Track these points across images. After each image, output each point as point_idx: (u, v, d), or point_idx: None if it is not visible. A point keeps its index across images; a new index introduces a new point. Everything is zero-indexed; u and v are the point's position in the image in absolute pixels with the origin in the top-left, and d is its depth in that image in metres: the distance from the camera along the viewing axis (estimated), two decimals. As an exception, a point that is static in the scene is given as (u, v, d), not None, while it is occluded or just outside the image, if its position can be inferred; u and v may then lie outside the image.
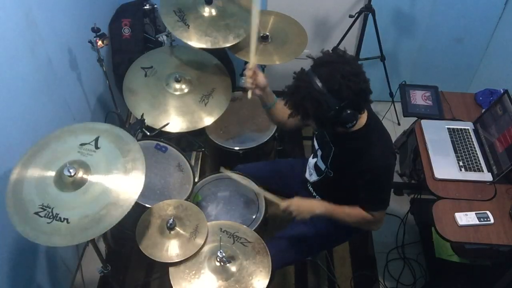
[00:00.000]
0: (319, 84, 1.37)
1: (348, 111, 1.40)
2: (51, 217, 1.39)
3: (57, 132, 1.61)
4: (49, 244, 1.39)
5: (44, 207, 1.41)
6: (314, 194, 1.87)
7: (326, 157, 1.71)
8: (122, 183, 1.47)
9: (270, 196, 1.77)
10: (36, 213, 1.40)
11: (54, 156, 1.53)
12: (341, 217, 1.70)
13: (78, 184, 1.46)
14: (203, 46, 2.09)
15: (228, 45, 2.12)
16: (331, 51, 1.47)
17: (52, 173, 1.48)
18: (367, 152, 1.55)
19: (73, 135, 1.59)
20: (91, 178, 1.48)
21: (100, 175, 1.49)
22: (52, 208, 1.40)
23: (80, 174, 1.47)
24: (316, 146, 1.79)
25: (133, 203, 1.43)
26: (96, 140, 1.57)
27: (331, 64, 1.40)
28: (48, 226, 1.38)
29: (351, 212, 1.68)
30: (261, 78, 1.76)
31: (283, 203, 1.71)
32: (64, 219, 1.39)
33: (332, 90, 1.37)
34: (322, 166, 1.75)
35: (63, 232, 1.38)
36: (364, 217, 1.66)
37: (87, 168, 1.49)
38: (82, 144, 1.55)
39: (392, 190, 2.78)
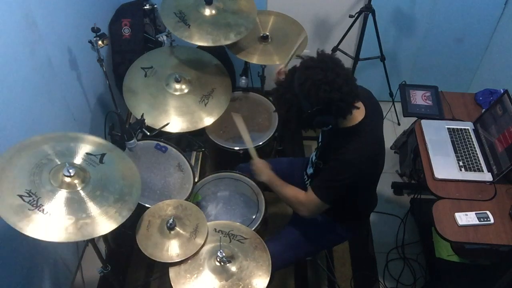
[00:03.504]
0: (296, 87, 1.43)
1: (321, 116, 1.45)
2: (34, 205, 1.36)
3: (72, 134, 1.63)
4: (19, 229, 1.32)
5: (30, 193, 1.38)
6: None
7: (320, 149, 1.73)
8: (113, 202, 1.47)
9: (252, 152, 1.91)
10: (20, 196, 1.36)
11: (58, 151, 1.53)
12: (278, 188, 1.77)
13: (68, 186, 1.45)
14: (204, 44, 2.09)
15: (229, 42, 2.12)
16: (321, 53, 1.49)
17: (50, 166, 1.47)
18: (344, 148, 1.55)
19: (83, 143, 1.60)
20: (82, 188, 1.46)
21: (95, 186, 1.48)
22: (38, 198, 1.38)
23: (71, 180, 1.45)
24: (319, 139, 1.81)
25: (119, 224, 1.43)
26: (102, 155, 1.57)
27: (309, 69, 1.43)
28: (27, 212, 1.34)
29: (289, 188, 1.74)
30: None
31: (255, 160, 1.88)
32: (46, 212, 1.37)
33: (304, 95, 1.42)
34: (314, 158, 1.78)
35: (39, 224, 1.34)
36: (298, 194, 1.69)
37: (85, 177, 1.48)
38: (88, 154, 1.56)
39: (392, 190, 2.80)
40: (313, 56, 1.48)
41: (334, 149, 1.61)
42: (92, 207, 1.43)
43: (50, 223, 1.36)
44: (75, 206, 1.42)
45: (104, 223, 1.42)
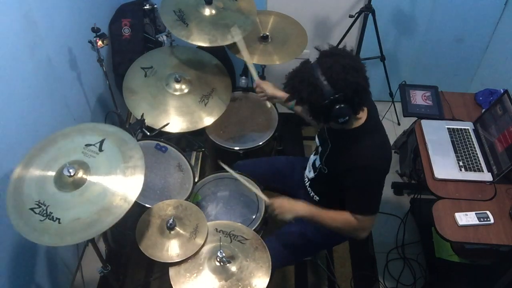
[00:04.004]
0: (319, 72, 1.40)
1: (342, 105, 1.42)
2: (45, 215, 1.39)
3: (66, 130, 1.62)
4: (37, 241, 1.37)
5: (40, 204, 1.41)
6: (311, 193, 1.88)
7: (323, 153, 1.72)
8: (118, 189, 1.47)
9: (259, 193, 1.80)
10: (31, 209, 1.40)
11: (59, 153, 1.54)
12: (325, 221, 1.68)
13: (77, 184, 1.46)
14: (201, 44, 2.09)
15: (226, 43, 2.12)
16: (338, 47, 1.50)
17: (53, 171, 1.49)
18: (356, 150, 1.55)
19: (80, 135, 1.60)
20: (90, 179, 1.48)
21: (99, 177, 1.48)
22: (47, 206, 1.41)
23: (80, 174, 1.47)
24: (317, 143, 1.80)
25: (125, 212, 1.42)
26: (101, 142, 1.57)
27: (334, 55, 1.43)
28: (40, 224, 1.37)
29: (336, 217, 1.65)
30: (269, 89, 1.96)
31: (268, 201, 1.72)
32: (57, 218, 1.39)
33: (330, 79, 1.39)
34: (318, 162, 1.76)
35: (53, 232, 1.37)
36: (349, 221, 1.62)
37: (87, 169, 1.49)
38: (87, 145, 1.56)
39: (392, 190, 2.80)
40: (332, 45, 1.50)
41: (342, 153, 1.60)
42: (97, 202, 1.44)
43: (62, 228, 1.38)
44: (80, 205, 1.43)
45: (110, 214, 1.42)
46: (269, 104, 1.98)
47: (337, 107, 1.42)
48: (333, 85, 1.39)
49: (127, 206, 1.43)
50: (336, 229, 1.69)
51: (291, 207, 1.69)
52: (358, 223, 1.62)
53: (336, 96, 1.40)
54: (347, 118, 1.45)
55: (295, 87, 1.46)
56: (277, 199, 1.71)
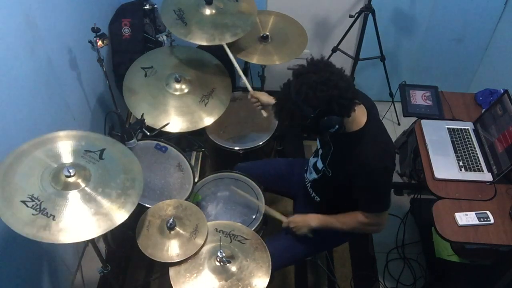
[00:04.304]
0: (293, 95, 1.43)
1: (326, 118, 1.43)
2: (38, 209, 1.37)
3: (64, 133, 1.61)
4: (24, 234, 1.32)
5: (33, 198, 1.38)
6: (312, 194, 1.88)
7: (326, 156, 1.72)
8: (118, 196, 1.47)
9: (274, 213, 1.91)
10: (23, 202, 1.37)
11: (58, 153, 1.53)
12: (338, 226, 1.73)
13: (73, 186, 1.45)
14: (199, 42, 2.10)
15: (224, 42, 2.12)
16: (311, 59, 1.50)
17: (51, 169, 1.47)
18: (361, 153, 1.55)
19: (78, 140, 1.60)
20: (89, 183, 1.47)
21: (98, 181, 1.48)
22: (41, 202, 1.39)
23: (76, 178, 1.46)
24: (318, 145, 1.80)
25: (122, 221, 1.42)
26: (102, 151, 1.57)
27: (300, 75, 1.44)
28: (32, 218, 1.35)
29: (347, 220, 1.71)
30: (263, 98, 2.02)
31: (285, 221, 1.84)
32: (51, 215, 1.37)
33: (304, 100, 1.41)
34: (320, 165, 1.76)
35: (46, 228, 1.35)
36: (361, 221, 1.67)
37: (86, 173, 1.49)
38: (87, 151, 1.56)
39: (392, 190, 2.80)
40: (303, 64, 1.49)
41: (345, 156, 1.60)
42: (95, 206, 1.43)
43: (55, 226, 1.36)
44: (78, 206, 1.42)
45: (107, 220, 1.41)
46: (265, 113, 2.05)
47: (323, 120, 1.44)
48: (308, 105, 1.41)
49: (125, 215, 1.43)
50: (351, 231, 1.74)
51: (304, 221, 1.79)
52: (371, 221, 1.66)
53: (315, 113, 1.42)
54: (337, 126, 1.47)
55: (278, 116, 1.52)
56: (292, 217, 1.84)
